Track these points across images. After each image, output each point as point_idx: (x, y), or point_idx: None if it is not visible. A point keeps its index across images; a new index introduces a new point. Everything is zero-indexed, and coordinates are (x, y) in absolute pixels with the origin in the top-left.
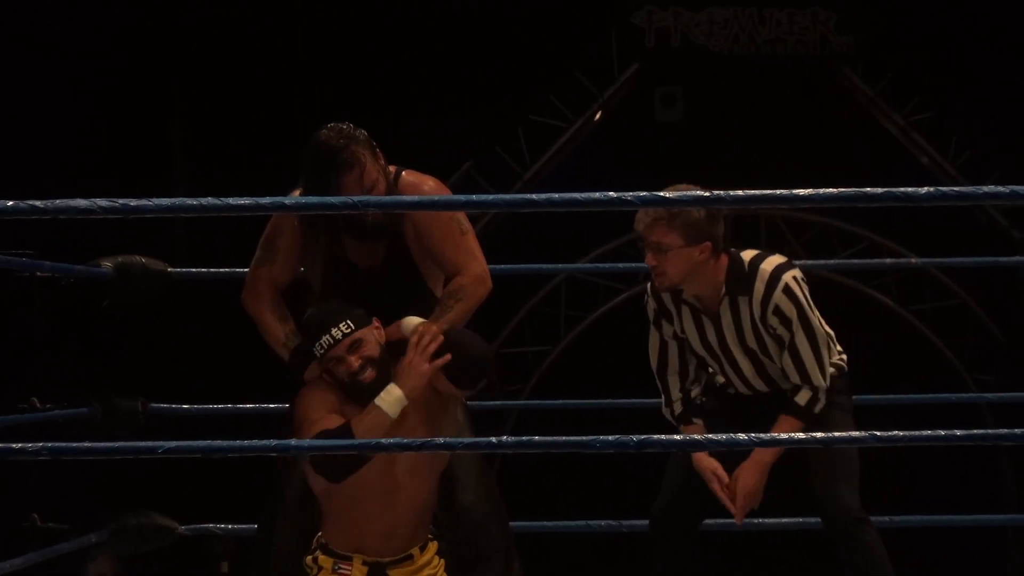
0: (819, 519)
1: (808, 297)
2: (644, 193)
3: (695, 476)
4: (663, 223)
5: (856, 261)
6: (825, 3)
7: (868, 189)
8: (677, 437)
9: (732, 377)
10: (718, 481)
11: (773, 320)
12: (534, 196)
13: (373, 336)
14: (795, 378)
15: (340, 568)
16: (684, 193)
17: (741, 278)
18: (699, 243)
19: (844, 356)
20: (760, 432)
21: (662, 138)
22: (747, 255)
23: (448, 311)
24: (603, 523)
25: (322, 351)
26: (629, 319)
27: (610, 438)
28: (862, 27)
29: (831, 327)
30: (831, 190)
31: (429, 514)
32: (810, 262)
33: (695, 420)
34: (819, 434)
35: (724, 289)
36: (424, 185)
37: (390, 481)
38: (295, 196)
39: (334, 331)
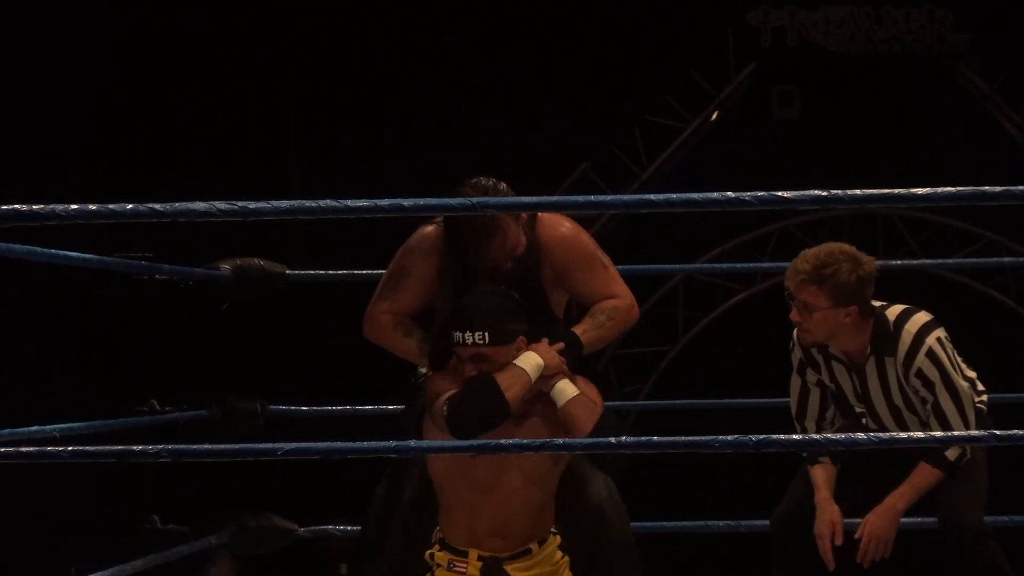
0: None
1: (952, 356)
2: (762, 193)
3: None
4: (812, 284)
5: (974, 260)
6: (941, 1)
7: (986, 187)
8: (796, 437)
9: (871, 426)
10: (831, 536)
11: (915, 382)
12: (652, 196)
13: (506, 357)
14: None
15: (456, 566)
16: (802, 194)
17: (886, 338)
18: (846, 306)
19: (985, 397)
20: (893, 477)
21: (779, 137)
22: (893, 313)
23: (599, 327)
24: (722, 523)
25: (452, 343)
26: (747, 319)
27: (729, 438)
28: (978, 24)
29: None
30: (949, 189)
31: (548, 513)
32: (927, 261)
33: (821, 460)
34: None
35: (869, 348)
36: (560, 227)
37: (506, 485)
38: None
39: (467, 335)
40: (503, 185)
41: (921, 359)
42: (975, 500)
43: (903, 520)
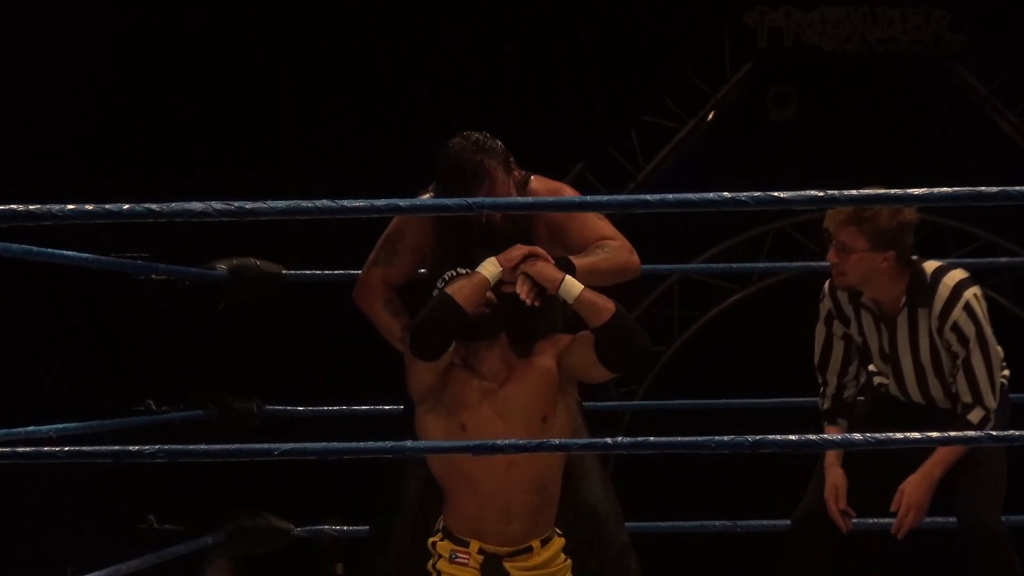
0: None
1: (986, 315)
2: (758, 193)
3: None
4: (852, 224)
5: (970, 260)
6: (938, 1)
7: (983, 188)
8: (792, 437)
9: (892, 383)
10: (835, 499)
11: (950, 336)
12: (648, 196)
13: None
14: (966, 397)
15: (458, 557)
16: (798, 194)
17: (922, 289)
18: (884, 251)
19: (1007, 373)
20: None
21: (776, 137)
22: (930, 266)
23: (589, 255)
24: (718, 524)
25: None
26: (743, 319)
27: (725, 439)
28: (975, 25)
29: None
30: (945, 189)
31: (550, 499)
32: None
33: (839, 421)
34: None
35: (904, 299)
36: (553, 186)
37: (505, 458)
38: (423, 199)
39: (439, 282)
40: (499, 143)
41: (958, 312)
42: (993, 499)
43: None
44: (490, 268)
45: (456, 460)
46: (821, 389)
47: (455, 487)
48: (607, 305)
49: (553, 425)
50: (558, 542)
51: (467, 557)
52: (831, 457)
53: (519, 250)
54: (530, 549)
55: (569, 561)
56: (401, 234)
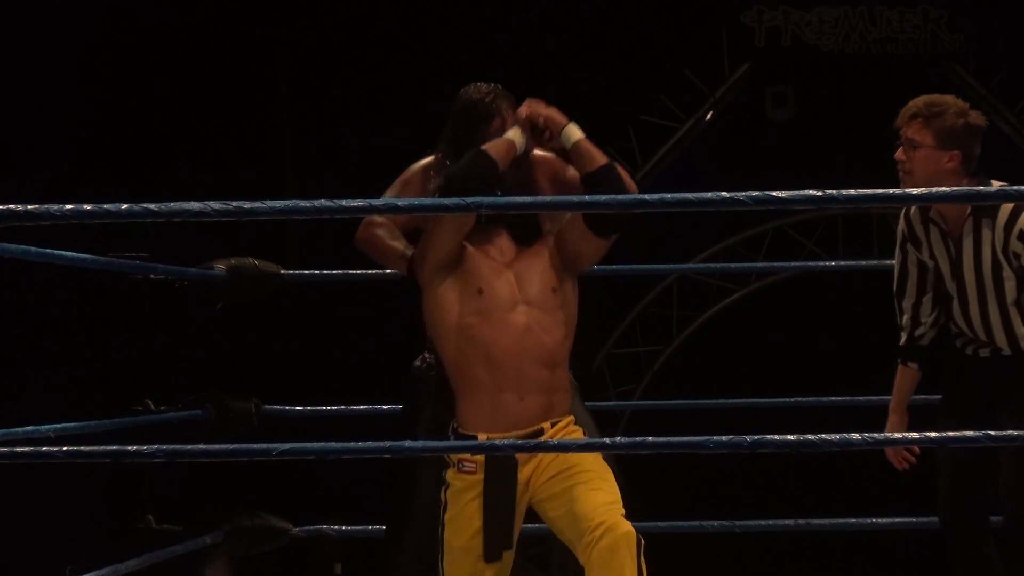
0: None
1: None
2: (756, 193)
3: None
4: (920, 118)
5: None
6: (935, 1)
7: (981, 187)
8: (791, 437)
9: (959, 317)
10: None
11: (1017, 246)
12: (646, 196)
13: None
14: None
15: (464, 466)
16: (796, 193)
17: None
18: (949, 150)
19: None
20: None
21: (774, 137)
22: (997, 183)
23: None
24: (716, 524)
25: None
26: (741, 319)
27: (723, 438)
28: (973, 24)
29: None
30: (944, 188)
31: (561, 382)
32: None
33: (910, 364)
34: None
35: (970, 208)
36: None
37: (520, 324)
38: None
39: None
40: (507, 92)
41: None
42: None
43: (905, 520)
44: (514, 134)
45: (472, 328)
46: (899, 320)
47: (470, 361)
48: (602, 157)
49: (562, 297)
50: (569, 422)
51: (473, 465)
52: (897, 398)
53: (527, 107)
54: (541, 432)
55: (580, 429)
56: (408, 183)
